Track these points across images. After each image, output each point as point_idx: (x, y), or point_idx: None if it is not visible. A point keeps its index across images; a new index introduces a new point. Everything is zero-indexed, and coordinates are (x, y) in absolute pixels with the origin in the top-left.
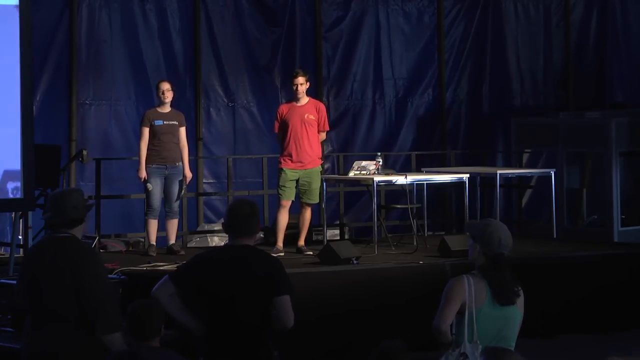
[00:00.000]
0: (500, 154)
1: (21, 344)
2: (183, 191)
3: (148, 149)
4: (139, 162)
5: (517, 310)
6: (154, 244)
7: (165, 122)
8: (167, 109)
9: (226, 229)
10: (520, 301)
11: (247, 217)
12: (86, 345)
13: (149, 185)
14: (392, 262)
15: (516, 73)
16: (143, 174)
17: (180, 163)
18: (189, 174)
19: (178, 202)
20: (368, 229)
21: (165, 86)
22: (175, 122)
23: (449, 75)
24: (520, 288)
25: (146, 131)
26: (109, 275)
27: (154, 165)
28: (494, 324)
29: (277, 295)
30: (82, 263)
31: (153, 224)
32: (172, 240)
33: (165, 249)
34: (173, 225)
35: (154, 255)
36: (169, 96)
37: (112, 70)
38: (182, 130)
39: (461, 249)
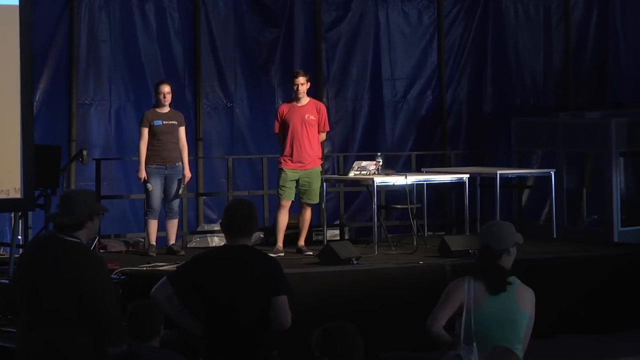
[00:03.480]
0: (500, 154)
1: (15, 343)
2: (181, 190)
3: (148, 150)
4: (138, 162)
5: (519, 312)
6: (154, 244)
7: (164, 122)
8: (166, 109)
9: (224, 229)
10: (526, 303)
11: (244, 218)
12: (80, 347)
13: (149, 185)
14: (392, 263)
15: (516, 73)
16: (143, 174)
17: (180, 163)
18: (188, 174)
19: (177, 201)
20: (368, 229)
21: (166, 89)
22: (174, 122)
23: (449, 75)
24: (514, 282)
25: (145, 132)
26: (111, 275)
27: (153, 166)
28: (494, 325)
29: (275, 296)
30: (91, 273)
31: (153, 224)
32: (172, 241)
33: (165, 249)
34: (173, 225)
35: (154, 255)
36: (167, 99)
37: (111, 71)
38: (182, 130)
39: (461, 249)
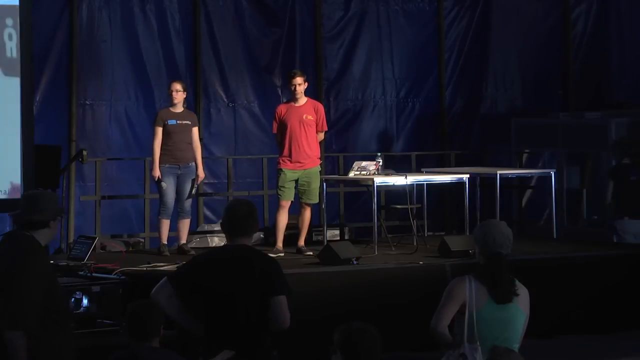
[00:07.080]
0: (501, 154)
1: None
2: (194, 190)
3: (161, 149)
4: (152, 161)
5: (519, 311)
6: (166, 243)
7: (178, 122)
8: (179, 109)
9: (224, 229)
10: (523, 302)
11: (244, 217)
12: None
13: (163, 184)
14: (392, 263)
15: (516, 73)
16: (157, 173)
17: (193, 163)
18: (202, 174)
19: (190, 201)
20: (368, 229)
21: (176, 86)
22: (188, 122)
23: (449, 75)
24: (517, 287)
25: (159, 131)
26: (111, 275)
27: (167, 165)
28: (495, 325)
29: (274, 296)
30: (11, 258)
31: (166, 224)
32: (183, 240)
33: (174, 249)
34: (185, 225)
35: (169, 255)
36: (177, 97)
37: (112, 71)
38: (195, 130)
39: (461, 249)
